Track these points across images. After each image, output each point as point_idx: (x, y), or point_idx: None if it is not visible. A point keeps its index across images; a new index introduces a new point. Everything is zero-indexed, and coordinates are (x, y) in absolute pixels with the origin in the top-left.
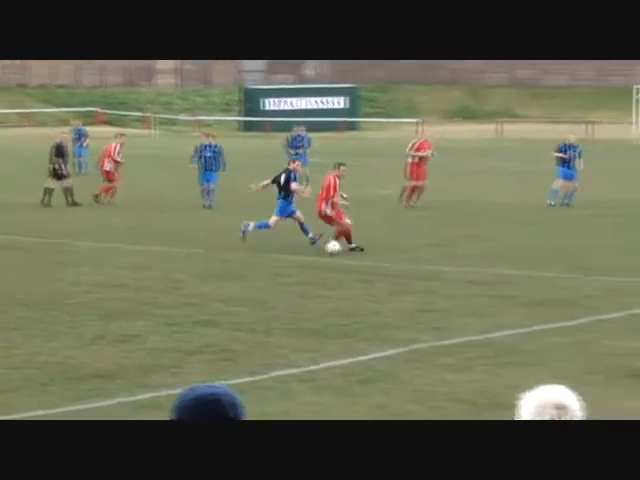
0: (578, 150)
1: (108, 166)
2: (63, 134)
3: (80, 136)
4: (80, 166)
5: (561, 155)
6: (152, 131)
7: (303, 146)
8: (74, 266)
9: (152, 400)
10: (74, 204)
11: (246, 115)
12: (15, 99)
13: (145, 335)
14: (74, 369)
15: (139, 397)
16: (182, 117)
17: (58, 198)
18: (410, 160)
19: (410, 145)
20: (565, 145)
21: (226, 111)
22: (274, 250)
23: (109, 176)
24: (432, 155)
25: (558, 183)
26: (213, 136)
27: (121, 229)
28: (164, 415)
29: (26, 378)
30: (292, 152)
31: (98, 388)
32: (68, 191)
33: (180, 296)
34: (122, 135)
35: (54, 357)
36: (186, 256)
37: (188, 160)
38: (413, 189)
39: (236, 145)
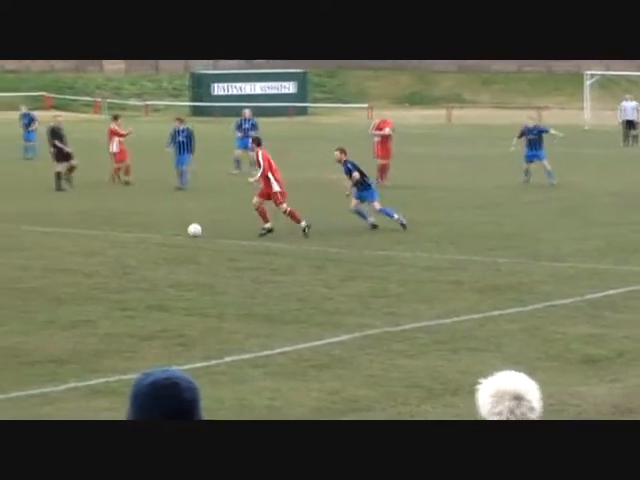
0: (540, 129)
1: (114, 148)
2: (57, 117)
3: (30, 121)
4: (29, 151)
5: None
6: (102, 116)
7: (250, 129)
8: (20, 250)
9: (105, 385)
10: (60, 189)
11: (195, 100)
12: None
13: (97, 320)
14: (26, 354)
15: (92, 382)
16: (132, 102)
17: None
18: (375, 139)
19: (372, 125)
20: (527, 128)
21: (176, 96)
22: (224, 235)
23: (119, 157)
24: (392, 132)
25: (530, 166)
26: (183, 121)
27: (75, 214)
28: (117, 400)
29: None
30: (239, 135)
31: (50, 373)
32: (72, 170)
33: (131, 281)
34: (117, 117)
35: (5, 342)
36: (139, 241)
37: (163, 145)
38: (382, 168)
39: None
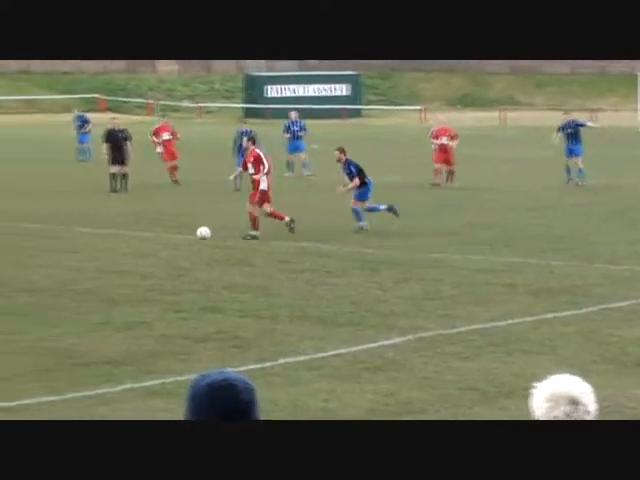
0: (577, 123)
1: (159, 149)
2: (114, 120)
3: (83, 123)
4: (82, 153)
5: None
6: (154, 118)
7: (299, 131)
8: (74, 252)
9: (161, 386)
10: (114, 190)
11: (248, 102)
12: (17, 85)
13: (152, 322)
14: (80, 355)
15: (147, 383)
16: (185, 104)
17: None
18: (433, 147)
19: (429, 133)
20: (566, 122)
21: (228, 98)
22: (278, 237)
23: (165, 157)
24: (450, 141)
25: (569, 161)
26: (246, 122)
27: (126, 215)
28: (173, 401)
29: (32, 364)
30: (287, 137)
31: (105, 374)
32: (124, 177)
33: (185, 283)
34: (164, 116)
35: (60, 343)
36: (191, 243)
37: (217, 146)
38: (441, 172)
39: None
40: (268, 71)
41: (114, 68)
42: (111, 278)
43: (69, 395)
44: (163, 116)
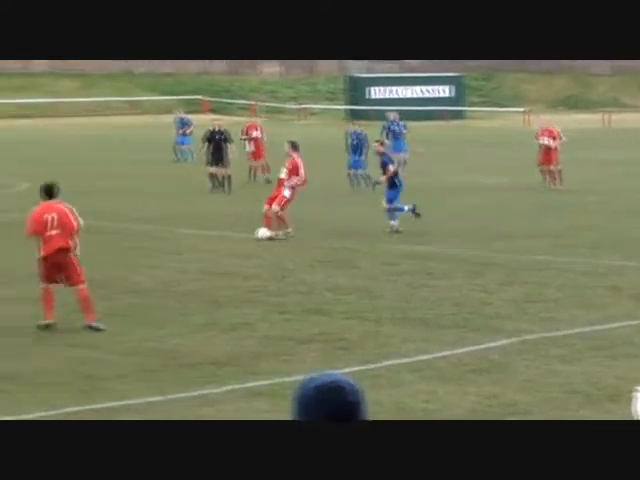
0: None
1: (248, 147)
2: (215, 121)
3: (183, 125)
4: (183, 154)
5: None
6: (257, 119)
7: (399, 132)
8: (177, 253)
9: (264, 387)
10: (215, 190)
11: (351, 104)
12: (121, 86)
13: (255, 323)
14: (184, 356)
15: (251, 384)
16: (289, 105)
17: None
18: (538, 147)
19: (536, 133)
20: None
21: (331, 99)
22: (381, 239)
23: (254, 155)
24: (557, 140)
25: None
26: (356, 123)
27: (228, 216)
28: (277, 402)
29: (136, 364)
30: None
31: (209, 375)
32: (228, 178)
33: (289, 284)
34: (256, 118)
35: (164, 344)
36: (293, 244)
37: (323, 147)
38: (550, 174)
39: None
40: (368, 73)
41: (215, 70)
42: (215, 279)
43: (173, 395)
44: (256, 117)
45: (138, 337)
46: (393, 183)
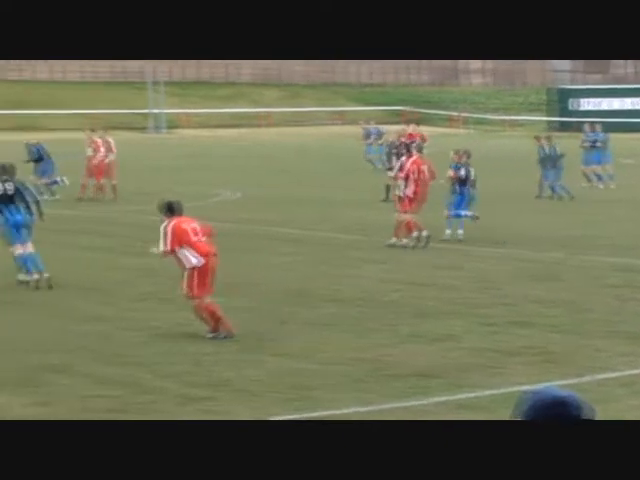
0: None
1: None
2: (405, 131)
3: (369, 135)
4: (373, 164)
5: None
6: (460, 130)
7: (601, 144)
8: (381, 263)
9: (473, 400)
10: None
11: (558, 115)
12: (323, 97)
13: (461, 334)
14: (389, 366)
15: (459, 396)
16: (493, 117)
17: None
18: None
19: None
20: None
21: (532, 111)
22: (587, 252)
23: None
24: None
25: None
26: (548, 138)
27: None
28: (485, 415)
29: (339, 374)
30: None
31: (416, 386)
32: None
33: (493, 296)
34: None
35: (366, 354)
36: (494, 255)
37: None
38: None
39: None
40: (572, 84)
41: (418, 80)
42: (417, 290)
43: (377, 407)
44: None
45: (340, 346)
46: (462, 191)
